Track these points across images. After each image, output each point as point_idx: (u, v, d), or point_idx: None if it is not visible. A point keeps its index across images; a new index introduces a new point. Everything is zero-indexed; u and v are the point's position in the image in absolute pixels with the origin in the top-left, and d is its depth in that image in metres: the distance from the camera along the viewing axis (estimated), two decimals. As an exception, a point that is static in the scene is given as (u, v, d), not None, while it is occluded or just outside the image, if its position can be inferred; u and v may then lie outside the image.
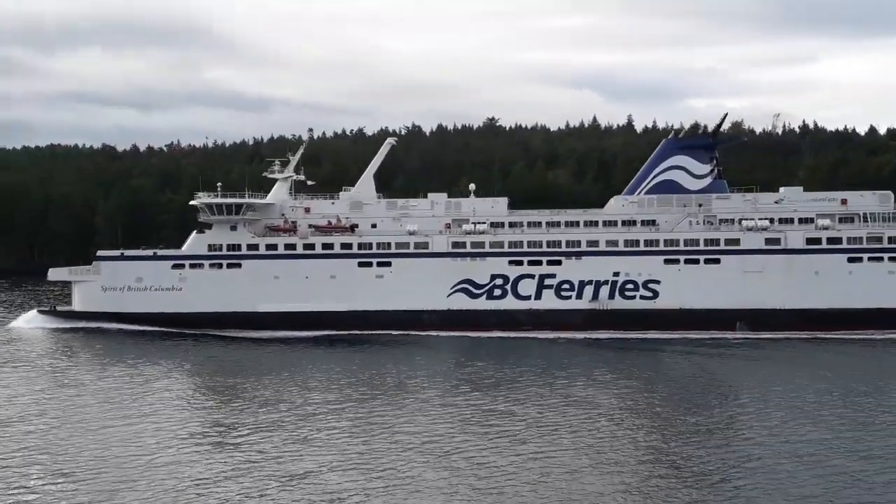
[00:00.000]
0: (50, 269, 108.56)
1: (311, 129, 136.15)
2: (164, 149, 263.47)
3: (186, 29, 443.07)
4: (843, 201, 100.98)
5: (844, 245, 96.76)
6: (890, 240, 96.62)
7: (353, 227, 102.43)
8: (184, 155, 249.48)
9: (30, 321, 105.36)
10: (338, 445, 51.96)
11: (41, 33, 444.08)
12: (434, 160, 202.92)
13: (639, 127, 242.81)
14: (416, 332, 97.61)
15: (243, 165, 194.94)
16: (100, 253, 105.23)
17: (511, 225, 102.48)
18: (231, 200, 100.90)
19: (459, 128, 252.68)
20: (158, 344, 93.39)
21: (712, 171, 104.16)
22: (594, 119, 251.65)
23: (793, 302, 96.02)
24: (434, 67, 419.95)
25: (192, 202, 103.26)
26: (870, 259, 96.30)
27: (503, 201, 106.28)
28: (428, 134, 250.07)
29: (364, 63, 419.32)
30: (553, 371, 75.86)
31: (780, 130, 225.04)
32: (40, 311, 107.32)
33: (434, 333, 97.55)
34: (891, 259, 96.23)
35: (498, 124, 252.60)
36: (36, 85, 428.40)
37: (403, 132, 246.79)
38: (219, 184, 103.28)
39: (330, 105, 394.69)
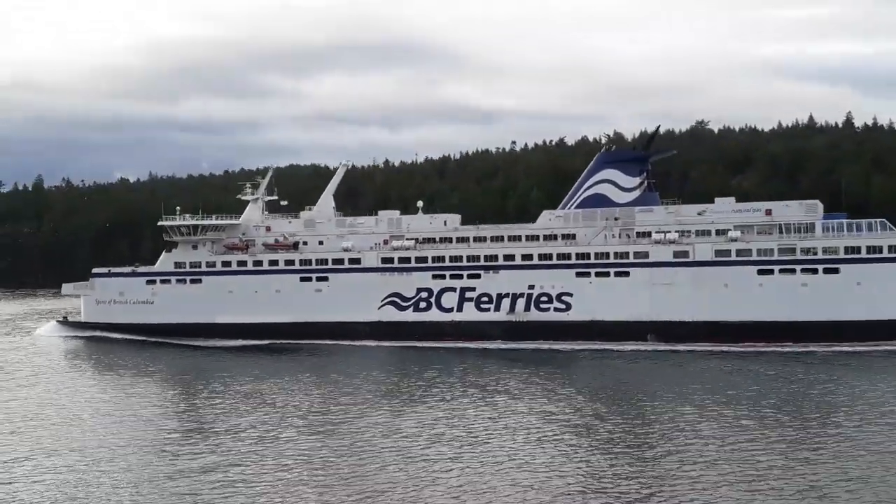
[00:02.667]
0: (63, 285, 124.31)
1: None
2: (379, 166, 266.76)
3: (421, 47, 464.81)
4: (768, 212, 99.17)
5: (754, 257, 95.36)
6: (803, 251, 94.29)
7: (295, 245, 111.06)
8: (367, 173, 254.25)
9: (47, 330, 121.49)
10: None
11: (292, 60, 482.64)
12: None
13: (859, 123, 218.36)
14: (352, 343, 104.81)
15: (425, 180, 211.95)
16: (94, 270, 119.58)
17: (441, 240, 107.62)
18: (189, 222, 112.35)
19: (662, 133, 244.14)
20: (131, 352, 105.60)
21: (641, 183, 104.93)
22: (810, 117, 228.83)
23: (702, 314, 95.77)
24: (662, 68, 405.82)
25: (159, 223, 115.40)
26: (781, 271, 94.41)
27: (441, 218, 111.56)
28: (630, 139, 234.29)
29: (589, 67, 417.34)
30: (463, 382, 79.91)
31: None
32: (57, 322, 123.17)
33: (367, 343, 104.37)
34: (804, 271, 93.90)
35: (707, 127, 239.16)
36: (290, 108, 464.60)
37: (603, 139, 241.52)
38: (177, 207, 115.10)
39: (554, 112, 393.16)
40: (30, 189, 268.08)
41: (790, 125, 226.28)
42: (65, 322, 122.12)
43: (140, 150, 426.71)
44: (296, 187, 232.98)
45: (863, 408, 64.80)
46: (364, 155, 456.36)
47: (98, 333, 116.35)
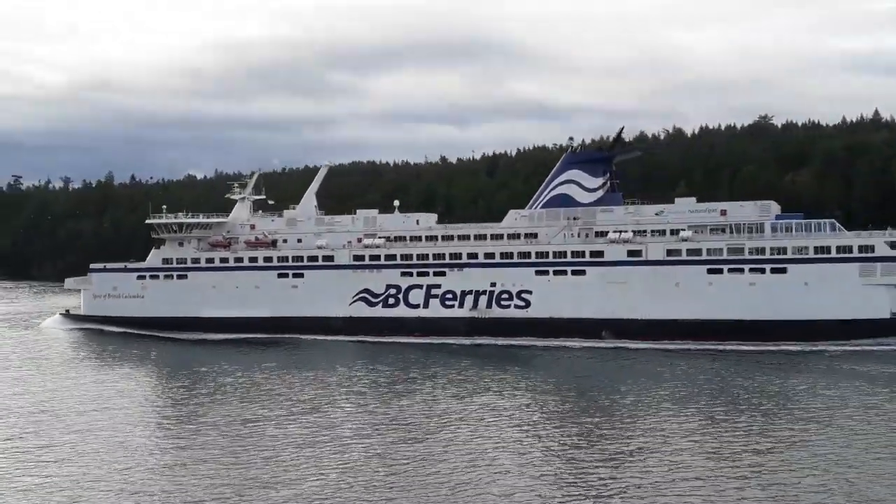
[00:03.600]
0: (66, 279, 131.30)
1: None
2: (436, 162, 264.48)
3: (488, 43, 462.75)
4: (723, 212, 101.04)
5: (704, 256, 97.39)
6: (752, 251, 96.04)
7: (274, 242, 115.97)
8: (419, 171, 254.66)
9: (51, 322, 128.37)
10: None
11: (360, 58, 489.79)
12: (658, 164, 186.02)
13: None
14: (326, 337, 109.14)
15: (470, 178, 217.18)
16: (91, 266, 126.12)
17: (411, 239, 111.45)
18: (174, 220, 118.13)
19: (722, 128, 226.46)
20: (120, 344, 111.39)
21: (605, 184, 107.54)
22: (875, 111, 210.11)
23: (654, 312, 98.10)
24: (736, 62, 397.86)
25: (146, 221, 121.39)
26: (730, 270, 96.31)
27: (414, 217, 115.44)
28: (689, 135, 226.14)
29: (661, 63, 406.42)
30: (423, 376, 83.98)
31: None
32: (61, 315, 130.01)
33: (340, 338, 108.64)
34: (752, 271, 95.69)
35: (770, 121, 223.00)
36: (358, 106, 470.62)
37: (662, 135, 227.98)
38: (163, 206, 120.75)
39: (623, 108, 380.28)
40: (98, 186, 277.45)
41: (854, 120, 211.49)
42: (67, 315, 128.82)
43: (213, 148, 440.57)
44: (348, 181, 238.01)
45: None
46: (431, 152, 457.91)
47: (95, 326, 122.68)
